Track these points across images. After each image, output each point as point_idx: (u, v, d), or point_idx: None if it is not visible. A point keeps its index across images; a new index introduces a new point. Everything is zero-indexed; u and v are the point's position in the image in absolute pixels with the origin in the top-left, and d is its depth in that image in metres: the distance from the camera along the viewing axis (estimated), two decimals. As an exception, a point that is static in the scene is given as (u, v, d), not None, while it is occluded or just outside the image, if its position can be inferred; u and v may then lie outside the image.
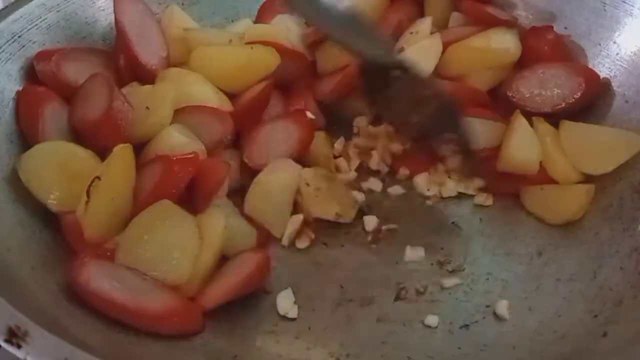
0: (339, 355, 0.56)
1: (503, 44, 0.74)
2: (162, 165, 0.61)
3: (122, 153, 0.60)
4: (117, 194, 0.59)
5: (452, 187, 0.71)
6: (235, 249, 0.62)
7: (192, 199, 0.63)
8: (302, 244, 0.66)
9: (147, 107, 0.65)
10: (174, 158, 0.62)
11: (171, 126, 0.66)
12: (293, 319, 0.59)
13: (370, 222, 0.68)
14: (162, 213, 0.58)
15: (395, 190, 0.72)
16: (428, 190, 0.71)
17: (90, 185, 0.57)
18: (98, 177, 0.58)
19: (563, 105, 0.71)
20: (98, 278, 0.53)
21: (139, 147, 0.64)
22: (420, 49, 0.74)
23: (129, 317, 0.53)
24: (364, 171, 0.75)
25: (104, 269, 0.55)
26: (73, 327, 0.49)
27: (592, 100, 0.72)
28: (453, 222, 0.68)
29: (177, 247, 0.57)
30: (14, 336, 0.43)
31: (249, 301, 0.59)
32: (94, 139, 0.64)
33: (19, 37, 0.67)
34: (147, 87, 0.69)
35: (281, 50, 0.75)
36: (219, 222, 0.59)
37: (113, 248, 0.58)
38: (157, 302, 0.54)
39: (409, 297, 0.60)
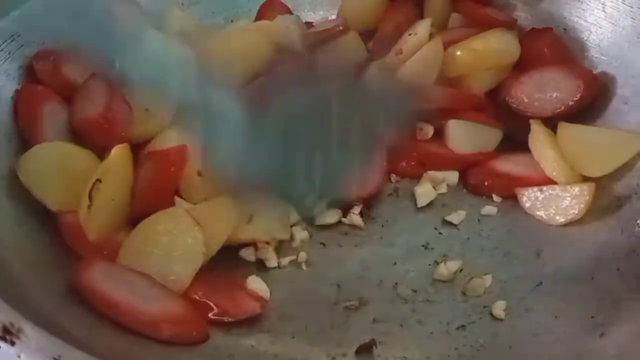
0: (335, 355, 0.56)
1: (502, 45, 0.74)
2: (153, 161, 0.61)
3: (120, 153, 0.60)
4: (117, 194, 0.60)
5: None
6: None
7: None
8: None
9: (147, 109, 0.65)
10: (163, 151, 0.61)
11: (171, 127, 0.65)
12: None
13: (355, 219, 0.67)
14: (169, 220, 0.58)
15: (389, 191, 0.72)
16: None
17: (91, 189, 0.58)
18: (99, 180, 0.58)
19: (563, 108, 0.70)
20: (101, 280, 0.53)
21: (141, 148, 0.64)
22: (422, 55, 0.73)
23: (132, 322, 0.52)
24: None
25: (108, 271, 0.55)
26: (68, 325, 0.49)
27: (591, 102, 0.72)
28: (451, 223, 0.68)
29: (180, 259, 0.57)
30: (8, 333, 0.43)
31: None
32: (94, 138, 0.64)
33: (18, 36, 0.67)
34: (148, 88, 0.69)
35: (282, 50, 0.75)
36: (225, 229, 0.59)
37: (113, 247, 0.58)
38: (160, 308, 0.54)
39: (406, 298, 0.60)
